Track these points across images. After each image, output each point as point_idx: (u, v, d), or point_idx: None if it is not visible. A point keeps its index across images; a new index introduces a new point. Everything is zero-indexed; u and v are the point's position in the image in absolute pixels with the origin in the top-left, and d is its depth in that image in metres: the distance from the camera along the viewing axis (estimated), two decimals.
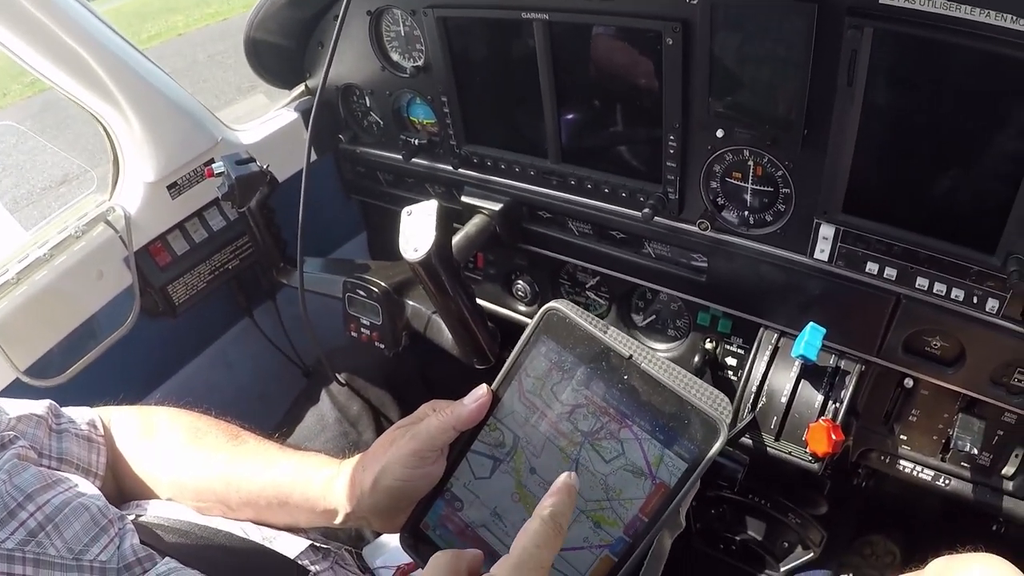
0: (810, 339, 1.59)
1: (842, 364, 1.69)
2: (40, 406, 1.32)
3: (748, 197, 1.67)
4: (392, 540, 1.61)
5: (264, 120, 2.45)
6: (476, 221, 2.11)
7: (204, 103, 2.25)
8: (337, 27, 1.74)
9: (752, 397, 1.72)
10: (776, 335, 1.78)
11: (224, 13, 16.26)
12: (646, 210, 1.74)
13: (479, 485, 1.13)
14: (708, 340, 1.99)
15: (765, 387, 1.72)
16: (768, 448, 1.69)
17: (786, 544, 2.10)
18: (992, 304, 1.45)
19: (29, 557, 1.02)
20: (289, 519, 1.33)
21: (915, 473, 1.79)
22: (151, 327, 2.24)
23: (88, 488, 1.19)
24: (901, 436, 1.79)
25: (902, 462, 1.81)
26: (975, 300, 1.46)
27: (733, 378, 1.98)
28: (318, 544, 1.37)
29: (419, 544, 1.16)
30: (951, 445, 1.67)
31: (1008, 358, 1.52)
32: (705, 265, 1.85)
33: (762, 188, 1.64)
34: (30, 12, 1.71)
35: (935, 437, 1.75)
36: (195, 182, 2.23)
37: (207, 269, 2.34)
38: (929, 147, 1.37)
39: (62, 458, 1.28)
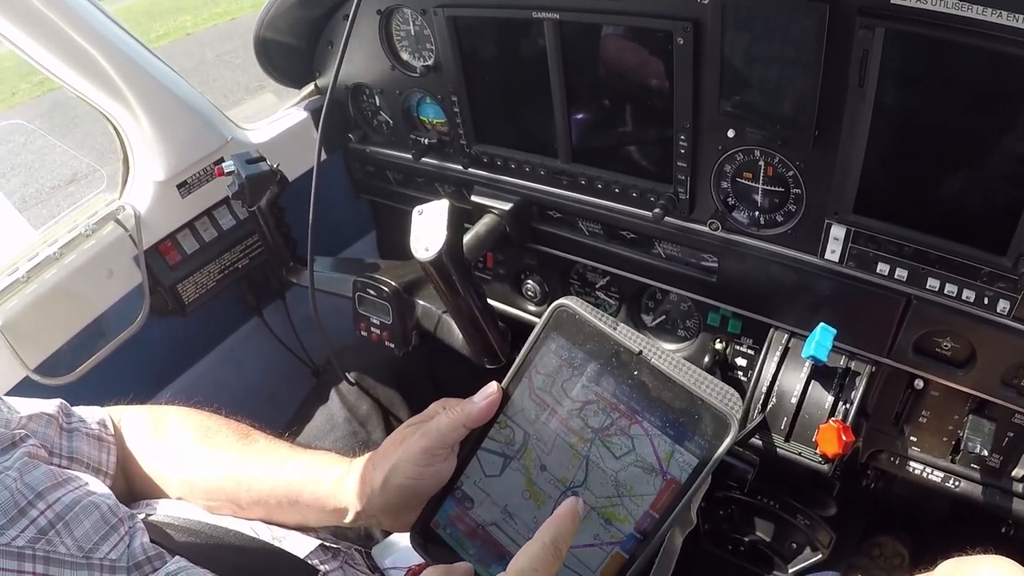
0: (820, 340, 1.59)
1: (852, 365, 1.69)
2: (51, 405, 1.32)
3: (759, 197, 1.67)
4: (402, 540, 1.61)
5: (274, 119, 2.46)
6: (486, 221, 2.11)
7: (213, 102, 2.25)
8: (347, 26, 1.75)
9: (762, 398, 1.72)
10: (786, 336, 1.78)
11: (233, 12, 16.27)
12: (656, 210, 1.74)
13: (490, 483, 1.13)
14: (718, 340, 1.99)
15: (775, 388, 1.72)
16: (778, 449, 1.69)
17: (795, 545, 2.10)
18: (1003, 305, 1.44)
19: (39, 555, 1.02)
20: (299, 518, 1.33)
21: (925, 475, 1.79)
22: (161, 326, 2.25)
23: (98, 487, 1.19)
24: (911, 437, 1.78)
25: (912, 463, 1.80)
26: (986, 301, 1.46)
27: (743, 379, 1.98)
28: (328, 544, 1.37)
29: (429, 543, 1.16)
30: (961, 447, 1.66)
31: (1019, 359, 1.51)
32: (715, 265, 1.84)
33: (773, 188, 1.63)
34: (40, 11, 1.72)
35: (945, 439, 1.74)
36: (205, 181, 2.23)
37: (217, 268, 2.35)
38: (940, 147, 1.36)
39: (73, 457, 1.29)
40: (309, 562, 1.28)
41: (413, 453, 1.13)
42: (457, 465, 1.15)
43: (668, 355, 1.05)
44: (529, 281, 2.35)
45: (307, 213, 1.84)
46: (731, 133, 1.59)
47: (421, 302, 2.10)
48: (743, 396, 1.76)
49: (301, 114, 2.46)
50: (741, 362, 1.97)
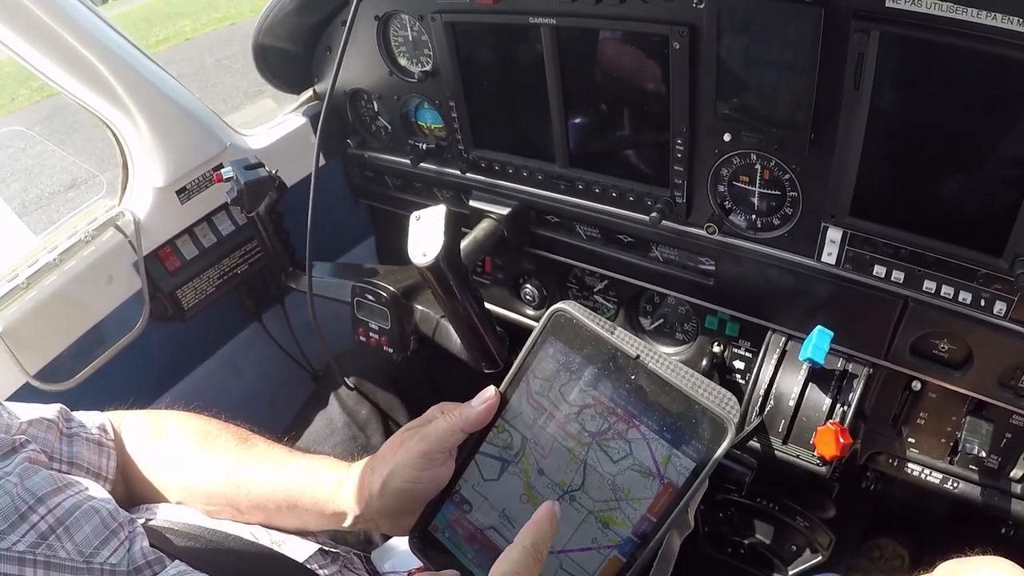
0: (818, 342, 1.60)
1: (850, 367, 1.69)
2: (51, 410, 1.32)
3: (755, 201, 1.67)
4: (401, 544, 1.62)
5: (272, 125, 2.46)
6: (484, 225, 2.11)
7: (212, 108, 2.26)
8: (345, 32, 1.76)
9: (760, 400, 1.72)
10: (784, 338, 1.78)
11: (232, 18, 16.31)
12: (654, 214, 1.75)
13: (488, 487, 1.14)
14: (716, 343, 1.99)
15: (773, 390, 1.72)
16: (776, 451, 1.69)
17: (794, 547, 2.11)
18: (1000, 307, 1.44)
19: (40, 560, 1.02)
20: (298, 522, 1.33)
21: (923, 476, 1.79)
22: (160, 331, 2.26)
23: (98, 492, 1.20)
24: (909, 439, 1.78)
25: (910, 465, 1.80)
26: (983, 303, 1.46)
27: (741, 381, 1.98)
28: (327, 548, 1.37)
29: (428, 547, 1.17)
30: (959, 448, 1.66)
31: (1016, 361, 1.52)
32: (713, 269, 1.85)
33: (769, 192, 1.64)
34: (39, 18, 1.72)
35: (943, 440, 1.74)
36: (204, 187, 2.24)
37: (216, 274, 2.35)
38: (936, 150, 1.37)
39: (73, 462, 1.29)
40: (308, 566, 1.28)
41: (411, 457, 1.14)
42: (455, 469, 1.16)
43: (665, 359, 1.05)
44: (528, 285, 2.35)
45: (306, 218, 1.85)
46: (727, 137, 1.59)
47: (419, 307, 2.10)
48: (741, 399, 1.76)
49: (299, 120, 2.47)
50: (739, 365, 1.98)
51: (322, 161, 1.86)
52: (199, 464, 1.37)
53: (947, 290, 1.49)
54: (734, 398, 1.03)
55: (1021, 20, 1.14)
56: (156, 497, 1.39)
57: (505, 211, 2.10)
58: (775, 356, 1.76)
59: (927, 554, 1.57)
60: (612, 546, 1.05)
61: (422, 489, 1.15)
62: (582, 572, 1.07)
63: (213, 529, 1.28)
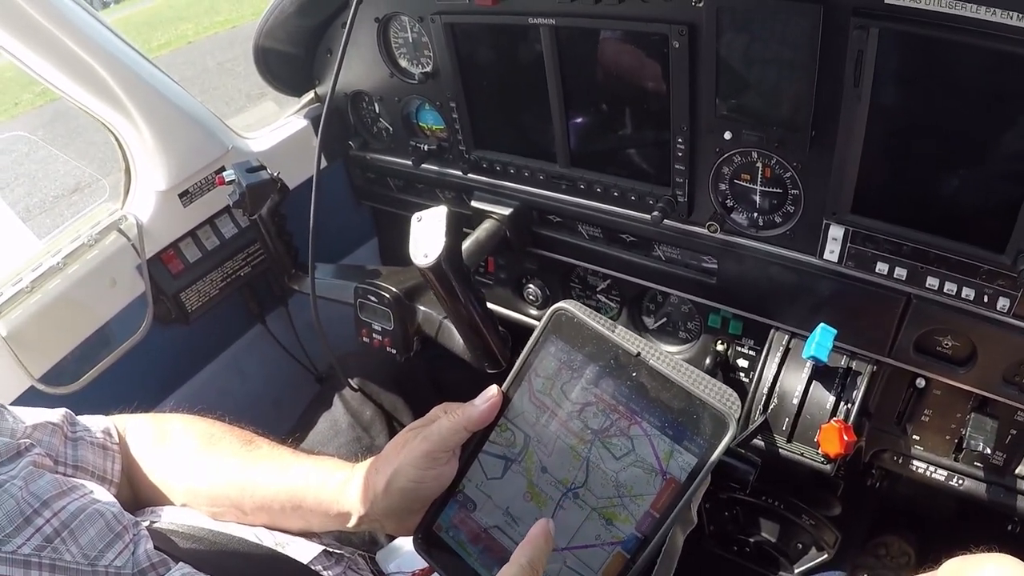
0: (821, 340, 1.59)
1: (853, 365, 1.69)
2: (55, 414, 1.33)
3: (757, 199, 1.67)
4: (405, 544, 1.61)
5: (274, 128, 2.47)
6: (486, 226, 2.12)
7: (214, 111, 2.26)
8: (345, 34, 1.76)
9: (764, 399, 1.73)
10: (787, 336, 1.79)
11: (233, 21, 16.32)
12: (655, 213, 1.75)
13: (491, 486, 1.14)
14: (719, 342, 1.99)
15: (777, 388, 1.72)
16: (780, 450, 1.69)
17: (800, 545, 2.10)
18: (1003, 303, 1.44)
19: (45, 563, 1.02)
20: (303, 523, 1.33)
21: (928, 473, 1.79)
22: (164, 334, 2.26)
23: (103, 495, 1.20)
24: (914, 436, 1.78)
25: (915, 462, 1.80)
26: (986, 299, 1.46)
27: (745, 380, 1.98)
28: (331, 549, 1.37)
29: (432, 547, 1.17)
30: (964, 445, 1.66)
31: (1020, 357, 1.52)
32: (715, 267, 1.85)
33: (771, 190, 1.64)
34: (40, 23, 1.72)
35: (948, 437, 1.74)
36: (206, 190, 2.24)
37: (219, 276, 2.35)
38: (937, 146, 1.37)
39: (78, 465, 1.29)
40: (313, 568, 1.28)
41: (415, 457, 1.14)
42: (459, 468, 1.16)
43: (666, 356, 1.05)
44: (530, 285, 2.35)
45: (308, 221, 1.85)
46: (728, 135, 1.59)
47: (422, 308, 2.11)
48: (744, 397, 1.76)
49: (301, 122, 2.47)
50: (742, 363, 1.98)
51: (324, 163, 1.86)
52: (203, 467, 1.37)
53: (950, 287, 1.49)
54: (735, 394, 1.03)
55: (1021, 15, 1.14)
56: (161, 500, 1.39)
57: (507, 211, 2.10)
58: (778, 354, 1.76)
59: (933, 551, 1.57)
60: (616, 543, 1.06)
61: (426, 489, 1.15)
62: (586, 569, 1.07)
63: (217, 531, 1.28)
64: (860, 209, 1.51)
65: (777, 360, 1.76)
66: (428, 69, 2.06)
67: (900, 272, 1.53)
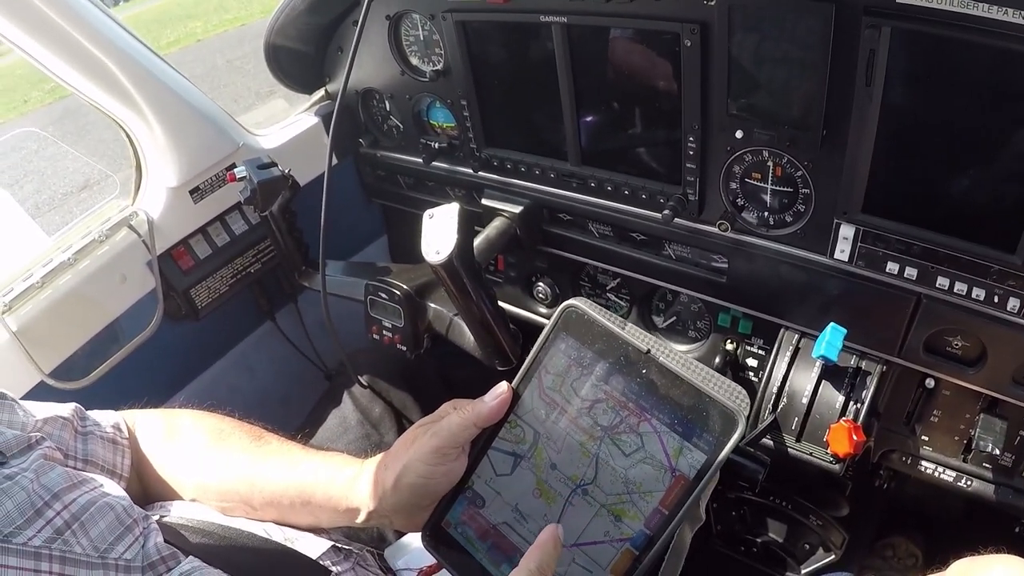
0: (831, 339, 1.59)
1: (863, 364, 1.68)
2: (66, 409, 1.33)
3: (768, 198, 1.67)
4: (414, 541, 1.62)
5: (285, 125, 2.47)
6: (496, 224, 2.12)
7: (224, 108, 2.27)
8: (357, 32, 1.76)
9: (773, 398, 1.72)
10: (797, 336, 1.78)
11: (243, 18, 16.36)
12: (666, 212, 1.75)
13: (500, 482, 1.14)
14: (729, 341, 1.99)
15: (786, 388, 1.72)
16: (789, 449, 1.69)
17: (807, 546, 2.10)
18: (1013, 303, 1.44)
19: (55, 555, 1.03)
20: (312, 519, 1.34)
21: (937, 474, 1.78)
22: (174, 330, 2.27)
23: (113, 488, 1.20)
24: (923, 437, 1.78)
25: (924, 463, 1.80)
26: (996, 299, 1.45)
27: (754, 379, 1.98)
28: (340, 545, 1.38)
29: (440, 543, 1.17)
30: (973, 445, 1.65)
31: None
32: (725, 266, 1.85)
33: (782, 189, 1.63)
34: (52, 19, 1.73)
35: (957, 437, 1.74)
36: (217, 187, 2.25)
37: (229, 273, 2.36)
38: (948, 146, 1.36)
39: (88, 460, 1.30)
40: (321, 563, 1.29)
41: (424, 452, 1.14)
42: (468, 465, 1.16)
43: (676, 353, 1.06)
44: (540, 283, 2.35)
45: (319, 218, 1.85)
46: (739, 134, 1.59)
47: (433, 305, 2.11)
48: (754, 396, 1.76)
49: (312, 119, 2.48)
50: (752, 362, 1.97)
51: (335, 160, 1.87)
52: (213, 462, 1.38)
53: (960, 287, 1.48)
54: (744, 391, 1.03)
55: None
56: (170, 495, 1.40)
57: (517, 209, 2.10)
58: (788, 353, 1.76)
59: (940, 552, 1.57)
60: (624, 539, 1.06)
61: (435, 484, 1.15)
62: (595, 565, 1.07)
63: (227, 526, 1.29)
64: (871, 208, 1.50)
65: (787, 359, 1.75)
66: (439, 67, 2.07)
67: (911, 272, 1.53)
